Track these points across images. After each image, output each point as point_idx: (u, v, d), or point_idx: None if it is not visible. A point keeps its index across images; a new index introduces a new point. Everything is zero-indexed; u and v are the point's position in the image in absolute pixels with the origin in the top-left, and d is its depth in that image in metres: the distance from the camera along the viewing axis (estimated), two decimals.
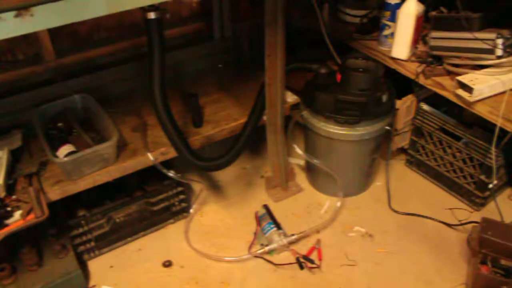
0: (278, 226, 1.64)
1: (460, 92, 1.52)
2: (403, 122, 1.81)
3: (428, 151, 1.83)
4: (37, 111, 1.52)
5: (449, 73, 1.63)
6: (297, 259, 1.57)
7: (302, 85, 1.79)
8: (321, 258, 1.60)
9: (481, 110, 1.50)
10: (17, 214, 1.27)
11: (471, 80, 1.50)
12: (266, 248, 1.60)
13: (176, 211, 1.72)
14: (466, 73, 1.55)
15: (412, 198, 1.82)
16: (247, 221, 1.74)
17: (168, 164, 1.59)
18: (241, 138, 1.60)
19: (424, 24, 1.74)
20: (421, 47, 1.75)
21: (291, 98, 1.73)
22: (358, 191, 1.87)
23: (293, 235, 1.63)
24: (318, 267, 1.57)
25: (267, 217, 1.69)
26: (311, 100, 1.68)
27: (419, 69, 1.67)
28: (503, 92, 1.50)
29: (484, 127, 1.60)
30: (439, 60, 1.66)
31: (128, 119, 1.66)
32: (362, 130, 1.63)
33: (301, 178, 1.93)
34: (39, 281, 1.39)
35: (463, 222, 1.69)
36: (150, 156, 1.51)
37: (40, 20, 0.93)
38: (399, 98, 1.76)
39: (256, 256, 1.61)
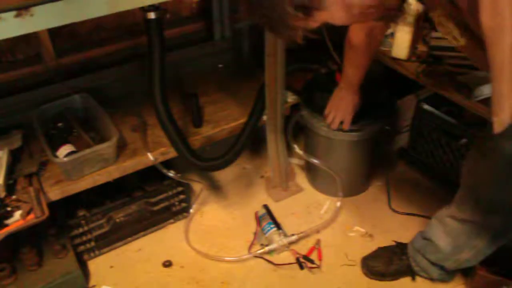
0: (278, 226, 1.64)
1: (460, 92, 1.52)
2: (403, 122, 1.81)
3: (428, 151, 1.83)
4: (37, 111, 1.52)
5: (449, 73, 1.63)
6: (297, 259, 1.57)
7: (302, 85, 1.79)
8: (321, 258, 1.60)
9: (481, 110, 1.50)
10: (17, 214, 1.27)
11: (471, 80, 1.49)
12: (266, 248, 1.60)
13: (176, 211, 1.72)
14: (466, 73, 1.55)
15: (412, 198, 1.82)
16: (247, 221, 1.74)
17: (168, 164, 1.59)
18: (241, 138, 1.60)
19: (424, 24, 1.74)
20: (421, 47, 1.75)
21: (291, 98, 1.73)
22: (358, 191, 1.87)
23: (293, 235, 1.63)
24: (318, 267, 1.57)
25: (267, 217, 1.69)
26: (311, 100, 1.68)
27: (419, 69, 1.66)
28: None
29: (484, 127, 1.60)
30: (439, 60, 1.66)
31: (128, 119, 1.66)
32: (362, 130, 1.63)
33: (301, 178, 1.93)
34: (39, 281, 1.39)
35: None
36: (150, 156, 1.51)
37: (40, 20, 0.93)
38: (399, 98, 1.76)
39: (256, 256, 1.61)
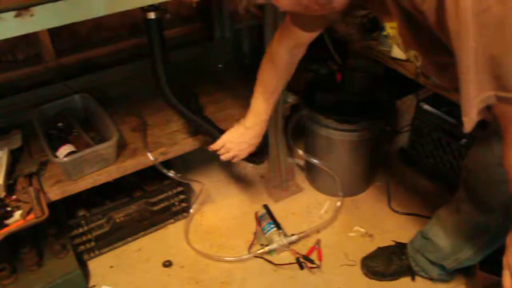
0: (278, 226, 1.64)
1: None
2: (403, 122, 1.81)
3: (428, 151, 1.83)
4: (37, 111, 1.52)
5: None
6: (297, 259, 1.57)
7: (302, 85, 1.79)
8: (321, 258, 1.60)
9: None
10: (17, 214, 1.27)
11: None
12: (266, 248, 1.60)
13: (176, 211, 1.72)
14: None
15: (412, 198, 1.82)
16: (247, 221, 1.74)
17: (168, 164, 1.59)
18: None
19: None
20: None
21: (291, 98, 1.73)
22: (358, 191, 1.87)
23: (293, 235, 1.63)
24: (318, 267, 1.57)
25: (267, 217, 1.69)
26: (311, 100, 1.68)
27: (419, 69, 1.66)
28: None
29: (484, 127, 1.60)
30: None
31: (128, 119, 1.66)
32: (362, 130, 1.63)
33: (301, 178, 1.93)
34: (39, 281, 1.39)
35: None
36: (150, 156, 1.51)
37: (40, 20, 0.93)
38: (399, 98, 1.76)
39: (256, 256, 1.61)
